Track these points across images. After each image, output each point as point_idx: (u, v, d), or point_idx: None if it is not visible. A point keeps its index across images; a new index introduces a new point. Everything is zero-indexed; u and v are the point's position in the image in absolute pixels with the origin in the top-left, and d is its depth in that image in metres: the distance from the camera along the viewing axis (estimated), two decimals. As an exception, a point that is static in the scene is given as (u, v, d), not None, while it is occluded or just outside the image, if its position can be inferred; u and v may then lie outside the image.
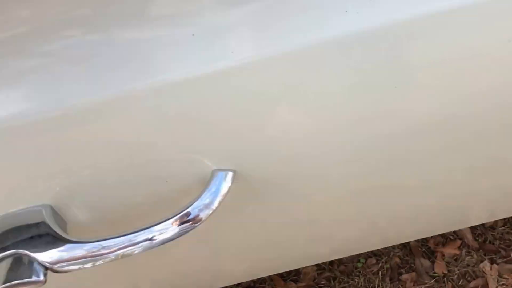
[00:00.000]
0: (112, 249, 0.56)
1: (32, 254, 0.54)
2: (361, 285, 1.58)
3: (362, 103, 0.60)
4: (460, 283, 1.53)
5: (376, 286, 1.58)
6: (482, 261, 1.55)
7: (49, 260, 0.54)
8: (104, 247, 0.55)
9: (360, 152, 0.67)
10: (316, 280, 1.61)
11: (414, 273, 1.58)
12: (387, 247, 1.65)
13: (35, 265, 0.54)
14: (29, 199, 0.58)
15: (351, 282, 1.59)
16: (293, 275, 1.63)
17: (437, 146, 0.69)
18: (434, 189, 0.82)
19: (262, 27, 0.54)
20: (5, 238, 0.56)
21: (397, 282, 1.58)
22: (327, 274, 1.62)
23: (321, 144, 0.64)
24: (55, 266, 0.55)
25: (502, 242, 1.59)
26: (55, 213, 0.59)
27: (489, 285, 1.50)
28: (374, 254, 1.64)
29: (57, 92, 0.53)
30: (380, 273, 1.60)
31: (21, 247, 0.55)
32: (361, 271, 1.61)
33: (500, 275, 1.51)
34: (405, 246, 1.64)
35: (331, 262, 1.65)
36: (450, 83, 0.60)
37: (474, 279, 1.53)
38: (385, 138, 0.65)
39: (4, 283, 0.53)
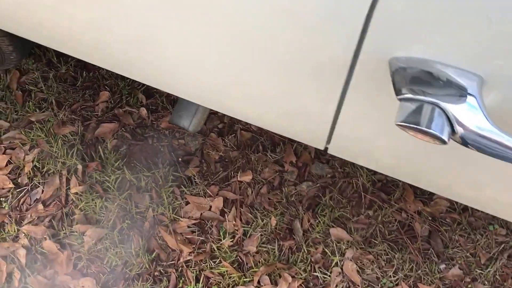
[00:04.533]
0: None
1: (452, 114, 0.51)
2: (478, 244, 1.44)
3: None
4: None
5: (492, 253, 1.42)
6: None
7: (462, 127, 0.51)
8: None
9: None
10: (442, 214, 1.46)
11: (532, 266, 1.41)
12: (523, 229, 1.45)
13: (446, 125, 0.51)
14: (467, 63, 0.52)
15: (472, 236, 1.44)
16: (425, 197, 1.48)
17: None
18: None
19: None
20: (429, 86, 0.53)
21: (511, 263, 1.42)
22: (455, 216, 1.46)
23: None
24: (465, 135, 0.52)
25: None
26: (481, 88, 0.53)
27: None
28: (508, 227, 1.46)
29: None
30: (502, 245, 1.43)
31: (444, 101, 0.51)
32: (487, 234, 1.45)
33: None
34: (539, 238, 1.45)
35: (465, 209, 1.47)
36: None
37: None
38: None
39: (414, 124, 0.52)
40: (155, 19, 0.74)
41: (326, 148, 0.93)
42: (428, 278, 1.41)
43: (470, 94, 0.49)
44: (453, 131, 0.52)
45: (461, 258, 1.44)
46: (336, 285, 1.40)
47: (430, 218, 1.47)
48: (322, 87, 0.72)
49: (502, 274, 1.43)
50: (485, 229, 1.47)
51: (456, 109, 0.51)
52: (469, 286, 1.41)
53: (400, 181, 1.52)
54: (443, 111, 0.51)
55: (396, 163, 0.89)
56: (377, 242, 1.45)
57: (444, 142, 0.51)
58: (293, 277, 1.40)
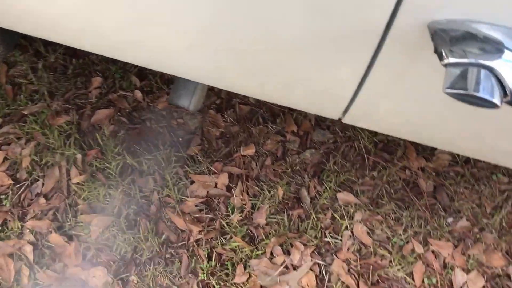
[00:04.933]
0: None
1: (502, 75, 0.49)
2: (482, 194, 1.45)
3: None
4: None
5: (496, 201, 1.44)
6: None
7: None
8: None
9: None
10: (445, 168, 1.47)
11: (536, 210, 1.43)
12: (524, 176, 1.47)
13: (497, 87, 0.49)
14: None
15: (476, 187, 1.45)
16: (427, 154, 1.48)
17: None
18: None
19: None
20: (472, 47, 0.51)
21: (516, 209, 1.44)
22: (458, 169, 1.47)
23: None
24: None
25: None
26: None
27: None
28: (510, 175, 1.47)
29: None
30: (506, 193, 1.45)
31: (490, 60, 0.49)
32: (490, 183, 1.46)
33: None
34: (540, 183, 1.47)
35: (467, 161, 1.48)
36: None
37: None
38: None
39: (462, 90, 0.50)
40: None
41: (339, 118, 0.92)
42: (437, 233, 1.42)
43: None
44: (505, 93, 0.49)
45: (467, 210, 1.45)
46: (348, 248, 1.40)
47: (433, 174, 1.48)
48: (348, 58, 0.69)
49: (508, 221, 1.44)
50: (488, 179, 1.48)
51: (506, 69, 0.48)
52: (478, 236, 1.42)
53: (401, 139, 1.52)
54: (492, 73, 0.49)
55: (412, 125, 0.89)
56: (384, 202, 1.45)
57: (495, 105, 0.49)
58: (304, 245, 1.39)
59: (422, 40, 0.58)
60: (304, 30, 0.66)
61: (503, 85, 0.49)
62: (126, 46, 0.85)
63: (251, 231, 1.41)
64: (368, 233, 1.41)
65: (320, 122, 1.54)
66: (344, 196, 1.44)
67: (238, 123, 1.53)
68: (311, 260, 1.37)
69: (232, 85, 0.91)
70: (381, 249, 1.39)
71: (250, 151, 1.48)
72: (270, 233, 1.40)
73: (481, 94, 0.48)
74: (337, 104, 0.84)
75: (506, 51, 0.49)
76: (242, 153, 1.48)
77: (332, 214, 1.42)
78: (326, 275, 1.37)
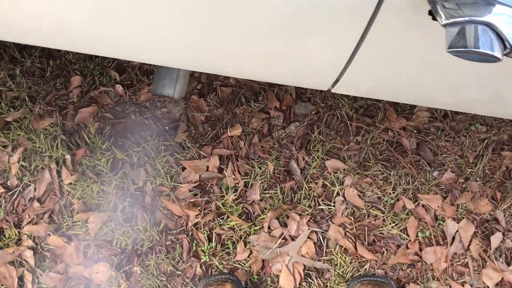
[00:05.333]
0: None
1: (499, 29, 0.50)
2: (464, 145, 1.49)
3: None
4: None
5: (477, 151, 1.48)
6: None
7: None
8: None
9: None
10: (425, 125, 1.51)
11: (515, 154, 1.48)
12: (500, 122, 1.52)
13: (496, 41, 0.51)
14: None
15: (456, 139, 1.50)
16: (407, 113, 1.52)
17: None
18: None
19: None
20: (468, 5, 0.52)
21: (496, 155, 1.49)
22: (438, 124, 1.51)
23: None
24: None
25: None
26: None
27: None
28: (487, 124, 1.52)
29: None
30: (485, 142, 1.50)
31: (487, 17, 0.51)
32: (470, 134, 1.51)
33: None
34: (516, 128, 1.52)
35: (445, 115, 1.53)
36: None
37: None
38: None
39: (462, 47, 0.51)
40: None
41: (329, 89, 0.93)
42: (425, 187, 1.46)
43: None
44: (504, 46, 0.51)
45: (451, 162, 1.49)
46: (342, 213, 1.43)
47: (415, 131, 1.52)
48: (342, 29, 0.69)
49: (490, 168, 1.49)
50: (468, 130, 1.53)
51: (499, 22, 0.50)
52: (464, 185, 1.47)
53: (380, 102, 1.55)
54: (489, 27, 0.50)
55: (402, 88, 0.91)
56: (371, 164, 1.48)
57: (497, 59, 0.50)
58: (300, 215, 1.42)
59: (416, 3, 0.60)
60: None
61: (502, 38, 0.51)
62: (102, 40, 0.84)
63: (246, 209, 1.43)
64: (359, 196, 1.44)
65: (301, 95, 1.56)
66: (332, 163, 1.47)
67: (221, 106, 1.54)
68: (308, 229, 1.40)
69: (223, 67, 0.91)
70: (373, 209, 1.43)
71: (237, 131, 1.50)
72: (265, 208, 1.42)
73: (482, 49, 0.50)
74: (328, 75, 0.85)
75: (496, 4, 0.51)
76: (229, 134, 1.49)
77: (323, 182, 1.45)
78: (324, 241, 1.40)
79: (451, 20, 0.53)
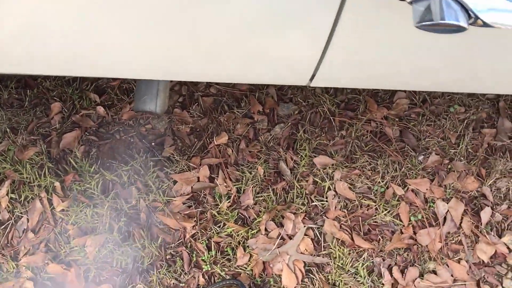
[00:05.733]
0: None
1: (464, 1, 0.52)
2: (445, 127, 1.53)
3: None
4: (531, 149, 1.50)
5: (458, 131, 1.52)
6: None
7: (479, 8, 0.53)
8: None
9: None
10: (406, 112, 1.54)
11: (494, 130, 1.52)
12: (477, 101, 1.56)
13: (462, 12, 0.52)
14: None
15: (437, 122, 1.53)
16: (387, 102, 1.55)
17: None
18: None
19: None
20: None
21: (477, 133, 1.53)
22: (418, 109, 1.55)
23: None
24: (483, 16, 0.53)
25: None
26: None
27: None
28: (465, 104, 1.56)
29: None
30: (465, 122, 1.54)
31: None
32: (449, 116, 1.54)
33: None
34: (493, 105, 1.56)
35: (424, 101, 1.56)
36: None
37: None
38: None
39: (429, 21, 0.54)
40: (89, 7, 0.69)
41: (308, 84, 0.94)
42: (412, 172, 1.49)
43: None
44: (469, 16, 0.53)
45: (434, 145, 1.53)
46: (335, 207, 1.45)
47: (396, 119, 1.55)
48: (312, 22, 0.71)
49: (473, 146, 1.54)
50: (447, 112, 1.57)
51: None
52: (449, 166, 1.51)
53: (360, 95, 1.58)
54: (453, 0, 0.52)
55: (379, 73, 0.93)
56: (358, 156, 1.51)
57: (463, 28, 0.52)
58: (294, 213, 1.44)
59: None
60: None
61: (466, 9, 0.53)
62: (79, 60, 0.83)
63: (242, 214, 1.44)
64: (350, 188, 1.46)
65: (283, 96, 1.58)
66: (320, 160, 1.49)
67: (205, 116, 1.55)
68: (304, 226, 1.42)
69: (200, 74, 0.92)
70: (365, 200, 1.45)
71: (223, 139, 1.50)
72: (260, 211, 1.44)
73: (448, 20, 0.52)
74: (306, 69, 0.86)
75: None
76: (216, 143, 1.50)
77: (313, 179, 1.47)
78: (321, 236, 1.42)
79: None
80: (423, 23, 0.54)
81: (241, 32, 0.73)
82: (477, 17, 0.53)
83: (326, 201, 1.45)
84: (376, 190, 1.46)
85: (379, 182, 1.47)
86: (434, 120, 1.54)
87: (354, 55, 0.82)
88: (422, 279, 1.37)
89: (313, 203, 1.45)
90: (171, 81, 1.52)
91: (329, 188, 1.46)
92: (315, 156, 1.49)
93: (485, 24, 0.54)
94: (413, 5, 0.56)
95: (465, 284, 1.39)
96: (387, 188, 1.47)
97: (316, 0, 0.66)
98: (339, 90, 1.56)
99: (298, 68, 0.86)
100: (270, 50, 0.79)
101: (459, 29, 0.53)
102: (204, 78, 0.96)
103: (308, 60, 0.82)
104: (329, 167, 1.48)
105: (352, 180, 1.47)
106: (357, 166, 1.48)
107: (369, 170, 1.48)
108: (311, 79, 0.90)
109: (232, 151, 1.50)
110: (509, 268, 1.40)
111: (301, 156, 1.49)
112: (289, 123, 1.53)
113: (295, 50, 0.78)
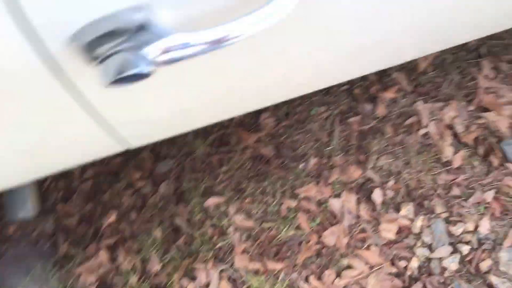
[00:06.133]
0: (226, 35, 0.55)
1: (138, 50, 0.53)
2: (315, 130, 1.60)
3: None
4: (398, 121, 1.59)
5: (326, 130, 1.60)
6: (415, 102, 1.61)
7: (154, 52, 0.54)
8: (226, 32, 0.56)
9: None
10: (275, 129, 1.61)
11: (359, 116, 1.61)
12: (334, 97, 1.65)
13: (141, 59, 0.53)
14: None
15: (306, 128, 1.61)
16: (254, 126, 1.61)
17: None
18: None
19: None
20: (108, 38, 0.53)
21: (344, 125, 1.61)
22: (285, 123, 1.62)
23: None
24: (159, 58, 0.53)
25: (432, 85, 1.64)
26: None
27: (422, 121, 1.57)
28: (323, 103, 1.65)
29: None
30: (328, 119, 1.62)
31: (126, 44, 0.53)
32: (314, 118, 1.62)
33: (431, 113, 1.59)
34: (349, 95, 1.66)
35: (287, 114, 1.64)
36: None
37: (409, 117, 1.59)
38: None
39: (114, 77, 0.53)
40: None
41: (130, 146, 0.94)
42: (299, 182, 1.55)
43: (143, 25, 0.52)
44: (149, 62, 0.53)
45: (310, 149, 1.59)
46: (240, 240, 1.48)
47: (268, 139, 1.61)
48: (58, 106, 0.69)
49: (345, 138, 1.61)
50: (312, 116, 1.64)
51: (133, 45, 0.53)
52: (330, 164, 1.57)
53: (228, 128, 1.64)
54: (128, 52, 0.53)
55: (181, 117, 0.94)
56: (245, 186, 1.55)
57: (146, 74, 0.53)
58: (204, 262, 1.46)
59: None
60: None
61: (142, 56, 0.53)
62: None
63: (153, 283, 1.44)
64: (247, 218, 1.50)
65: (158, 155, 1.62)
66: (211, 202, 1.52)
67: (89, 201, 1.55)
68: (216, 270, 1.44)
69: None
70: (265, 223, 1.49)
71: (113, 217, 1.51)
72: (170, 273, 1.44)
73: (127, 73, 0.52)
74: (103, 141, 0.85)
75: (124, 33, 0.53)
76: (107, 223, 1.51)
77: (210, 222, 1.50)
78: (235, 274, 1.44)
79: (100, 58, 0.54)
80: (111, 84, 0.54)
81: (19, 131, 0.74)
82: (157, 62, 0.54)
83: (229, 238, 1.48)
84: (271, 211, 1.51)
85: (272, 202, 1.51)
86: (302, 127, 1.61)
87: (138, 111, 0.82)
88: (340, 277, 1.41)
89: (218, 245, 1.47)
90: (44, 180, 1.53)
91: (228, 225, 1.49)
92: (205, 200, 1.52)
93: (169, 62, 0.54)
94: (99, 68, 0.55)
95: (382, 267, 1.44)
96: (281, 205, 1.51)
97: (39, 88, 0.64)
98: (207, 130, 1.61)
99: (94, 144, 0.86)
100: (53, 142, 0.80)
101: (143, 75, 0.54)
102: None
103: (94, 135, 0.81)
104: (222, 205, 1.51)
105: (247, 209, 1.51)
106: (247, 195, 1.52)
107: (260, 194, 1.53)
108: (124, 144, 0.90)
109: (125, 225, 1.51)
110: (416, 237, 1.46)
111: (192, 204, 1.52)
112: (172, 178, 1.56)
113: (73, 133, 0.79)
